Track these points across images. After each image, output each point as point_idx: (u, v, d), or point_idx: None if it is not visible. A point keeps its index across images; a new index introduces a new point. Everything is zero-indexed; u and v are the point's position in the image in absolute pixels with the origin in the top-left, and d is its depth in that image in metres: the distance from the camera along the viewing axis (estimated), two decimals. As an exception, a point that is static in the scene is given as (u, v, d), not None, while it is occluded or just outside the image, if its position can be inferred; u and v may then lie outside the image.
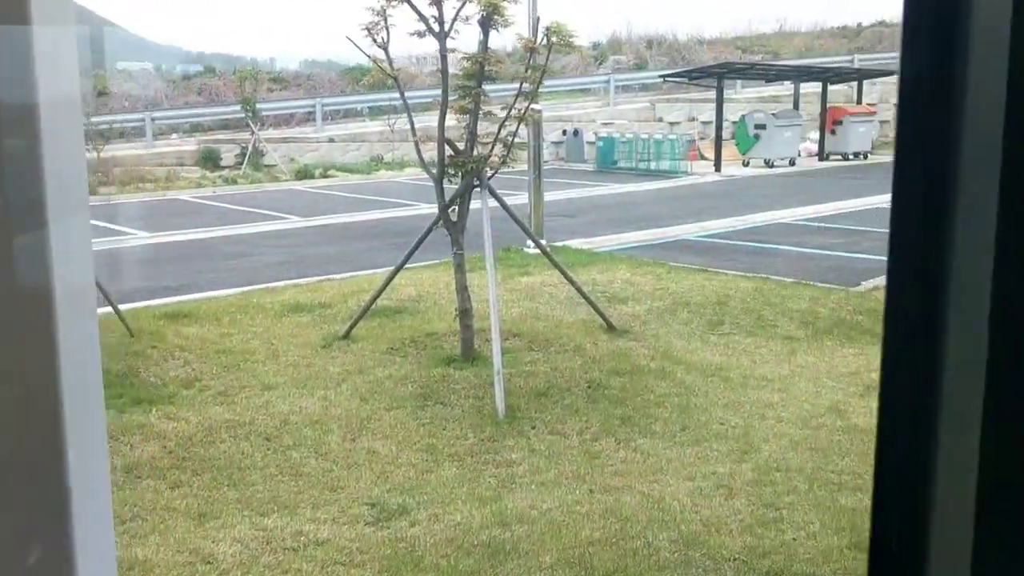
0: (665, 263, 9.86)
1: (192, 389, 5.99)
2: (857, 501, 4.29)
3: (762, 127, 24.09)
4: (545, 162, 15.83)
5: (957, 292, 0.65)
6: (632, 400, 5.64)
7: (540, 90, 7.03)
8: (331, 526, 4.23)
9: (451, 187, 6.47)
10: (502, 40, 6.49)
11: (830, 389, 6.01)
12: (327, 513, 4.36)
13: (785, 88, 29.24)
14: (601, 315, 7.20)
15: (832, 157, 25.91)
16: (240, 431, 5.31)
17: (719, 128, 23.67)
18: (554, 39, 6.23)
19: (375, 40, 6.14)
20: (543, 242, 10.81)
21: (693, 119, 28.63)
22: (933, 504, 0.66)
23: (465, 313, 6.29)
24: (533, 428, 5.26)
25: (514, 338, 6.74)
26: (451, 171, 6.21)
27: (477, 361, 6.24)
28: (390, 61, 6.30)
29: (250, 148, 22.74)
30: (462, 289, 6.28)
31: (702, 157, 25.98)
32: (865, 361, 6.63)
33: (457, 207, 6.35)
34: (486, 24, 6.09)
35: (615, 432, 5.19)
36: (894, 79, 29.85)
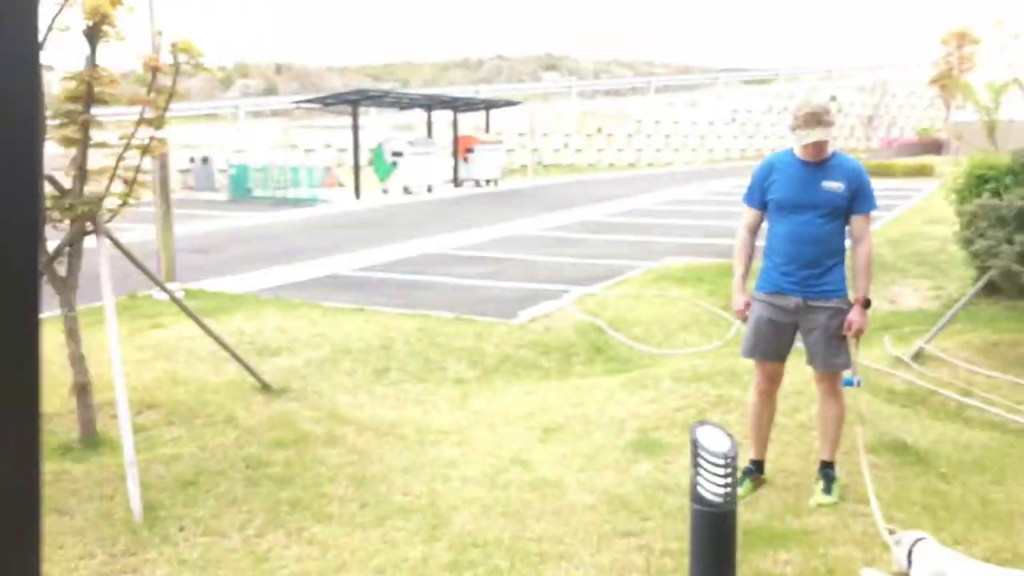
0: (318, 303, 9.12)
1: None
2: (564, 574, 3.90)
3: (399, 154, 24.15)
4: (172, 191, 14.35)
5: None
6: (300, 477, 4.85)
7: (165, 115, 5.99)
8: None
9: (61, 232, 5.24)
10: (123, 56, 5.38)
11: (510, 436, 5.66)
12: None
13: (417, 116, 29.72)
14: (252, 373, 6.30)
15: (466, 183, 26.72)
16: None
17: (356, 155, 23.33)
18: (182, 58, 5.28)
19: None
20: (175, 286, 9.58)
21: (329, 146, 28.06)
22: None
23: (83, 389, 5.10)
24: (181, 530, 4.28)
25: (149, 411, 5.64)
26: (56, 215, 5.00)
27: (103, 447, 5.08)
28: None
29: None
30: (77, 360, 5.08)
31: (340, 184, 25.51)
32: (537, 400, 6.41)
33: (66, 259, 5.14)
34: (93, 36, 4.98)
35: (284, 522, 4.38)
36: (519, 108, 31.57)
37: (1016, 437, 5.76)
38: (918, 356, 7.40)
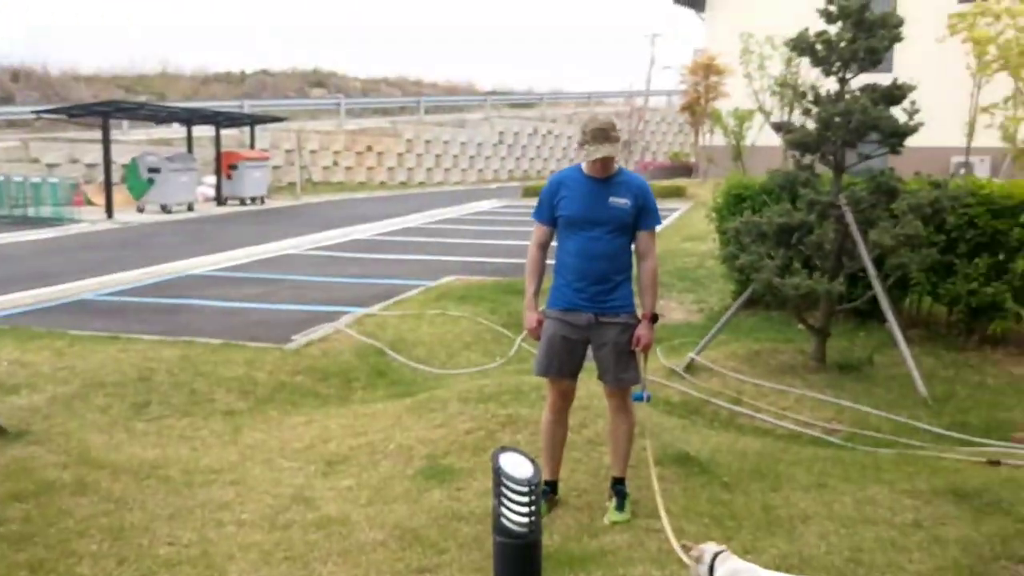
0: (65, 333, 8.19)
1: None
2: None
3: (156, 171, 22.63)
4: None
5: None
6: (43, 534, 4.20)
7: None
8: None
9: None
10: None
11: (289, 472, 5.24)
12: None
13: (175, 131, 28.05)
14: (-16, 414, 5.48)
15: (230, 202, 25.48)
16: None
17: (108, 171, 21.61)
18: None
19: None
20: None
21: (76, 161, 25.85)
22: None
23: None
24: None
25: None
26: None
27: None
28: None
29: None
30: None
31: (89, 202, 23.58)
32: (317, 430, 6.02)
33: None
34: None
35: (23, 589, 3.75)
36: (284, 125, 30.56)
37: (786, 443, 6.05)
38: (690, 367, 7.68)
